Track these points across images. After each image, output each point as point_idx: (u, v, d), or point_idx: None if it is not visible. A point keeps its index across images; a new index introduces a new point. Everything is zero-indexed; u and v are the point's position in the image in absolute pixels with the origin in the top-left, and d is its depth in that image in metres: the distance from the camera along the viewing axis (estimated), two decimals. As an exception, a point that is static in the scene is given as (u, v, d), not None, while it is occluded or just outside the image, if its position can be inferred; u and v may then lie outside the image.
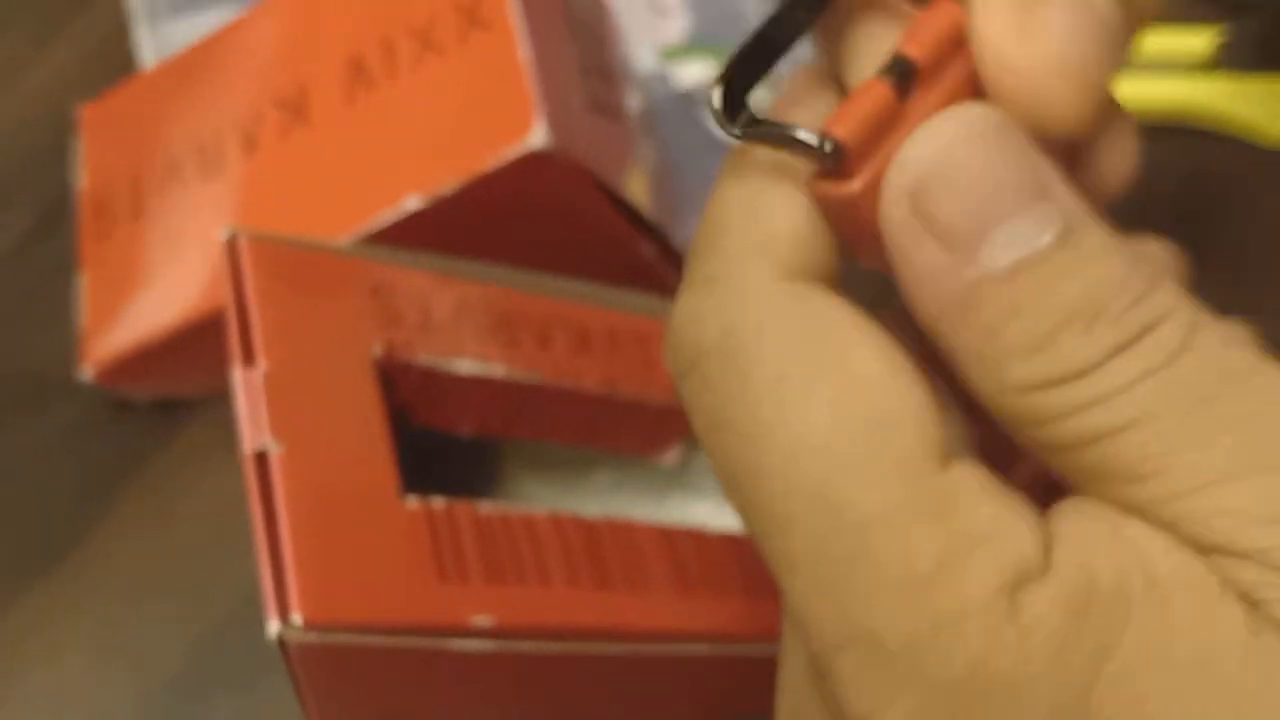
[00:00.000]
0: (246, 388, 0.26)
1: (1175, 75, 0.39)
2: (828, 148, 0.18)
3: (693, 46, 0.42)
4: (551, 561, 0.27)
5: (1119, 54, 0.19)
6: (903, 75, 0.18)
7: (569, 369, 0.31)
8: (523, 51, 0.32)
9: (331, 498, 0.25)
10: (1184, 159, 0.38)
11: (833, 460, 0.17)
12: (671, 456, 0.34)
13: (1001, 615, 0.16)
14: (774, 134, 0.18)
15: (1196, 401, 0.17)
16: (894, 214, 0.18)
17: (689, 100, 0.41)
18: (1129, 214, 0.37)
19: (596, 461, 0.34)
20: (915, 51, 0.19)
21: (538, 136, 0.31)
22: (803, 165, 0.19)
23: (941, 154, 0.18)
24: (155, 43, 0.42)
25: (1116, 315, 0.17)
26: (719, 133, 0.43)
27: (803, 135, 0.18)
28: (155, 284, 0.36)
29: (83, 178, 0.39)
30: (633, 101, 0.38)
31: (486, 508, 0.27)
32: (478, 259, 0.31)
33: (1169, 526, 0.17)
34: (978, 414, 0.20)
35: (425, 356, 0.29)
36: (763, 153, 0.19)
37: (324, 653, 0.24)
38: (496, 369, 0.30)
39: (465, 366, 0.29)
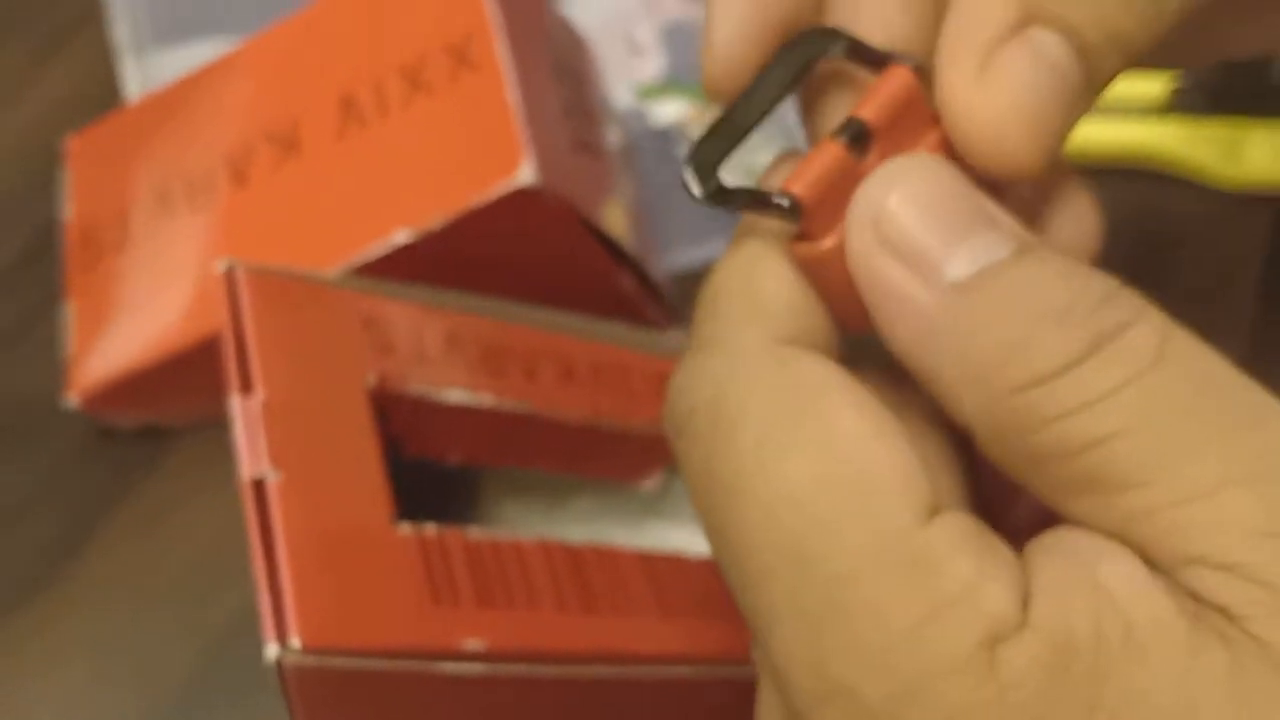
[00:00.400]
0: (245, 416, 0.27)
1: (1131, 119, 0.41)
2: (785, 203, 0.19)
3: (667, 86, 0.44)
4: (539, 586, 0.28)
5: (1075, 108, 0.20)
6: (856, 135, 0.20)
7: (555, 399, 0.32)
8: (511, 92, 0.33)
9: (328, 524, 0.26)
10: (1139, 200, 0.40)
11: (811, 517, 0.17)
12: (652, 483, 0.35)
13: (980, 673, 0.16)
14: (738, 198, 0.20)
15: (1181, 410, 0.17)
16: (859, 246, 0.19)
17: (665, 137, 0.42)
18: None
19: (576, 487, 0.35)
20: (869, 114, 0.20)
21: (526, 174, 0.32)
22: (780, 228, 0.20)
23: (898, 185, 0.19)
24: (141, 75, 0.43)
25: (1086, 312, 0.17)
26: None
27: (763, 196, 0.19)
28: (142, 313, 0.36)
29: (69, 208, 0.39)
30: (612, 138, 0.39)
31: (476, 534, 0.28)
32: (466, 292, 0.32)
33: (1154, 540, 0.17)
34: (976, 460, 0.21)
35: (417, 386, 0.30)
36: (762, 225, 0.20)
37: (320, 676, 0.25)
38: (485, 399, 0.31)
39: (455, 396, 0.30)
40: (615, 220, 0.36)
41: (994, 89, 0.19)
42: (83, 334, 0.37)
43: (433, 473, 0.32)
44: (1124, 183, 0.40)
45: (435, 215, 0.33)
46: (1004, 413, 0.17)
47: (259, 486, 0.26)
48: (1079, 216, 0.23)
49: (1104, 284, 0.18)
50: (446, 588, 0.27)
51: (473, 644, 0.26)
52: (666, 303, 0.37)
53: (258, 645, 0.25)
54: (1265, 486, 0.16)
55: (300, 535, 0.26)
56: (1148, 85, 0.41)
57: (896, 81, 0.20)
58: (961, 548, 0.17)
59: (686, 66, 0.44)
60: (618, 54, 0.44)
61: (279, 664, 0.24)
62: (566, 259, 0.34)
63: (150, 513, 0.36)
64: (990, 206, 0.19)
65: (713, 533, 0.19)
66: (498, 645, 0.26)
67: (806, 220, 0.19)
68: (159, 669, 0.34)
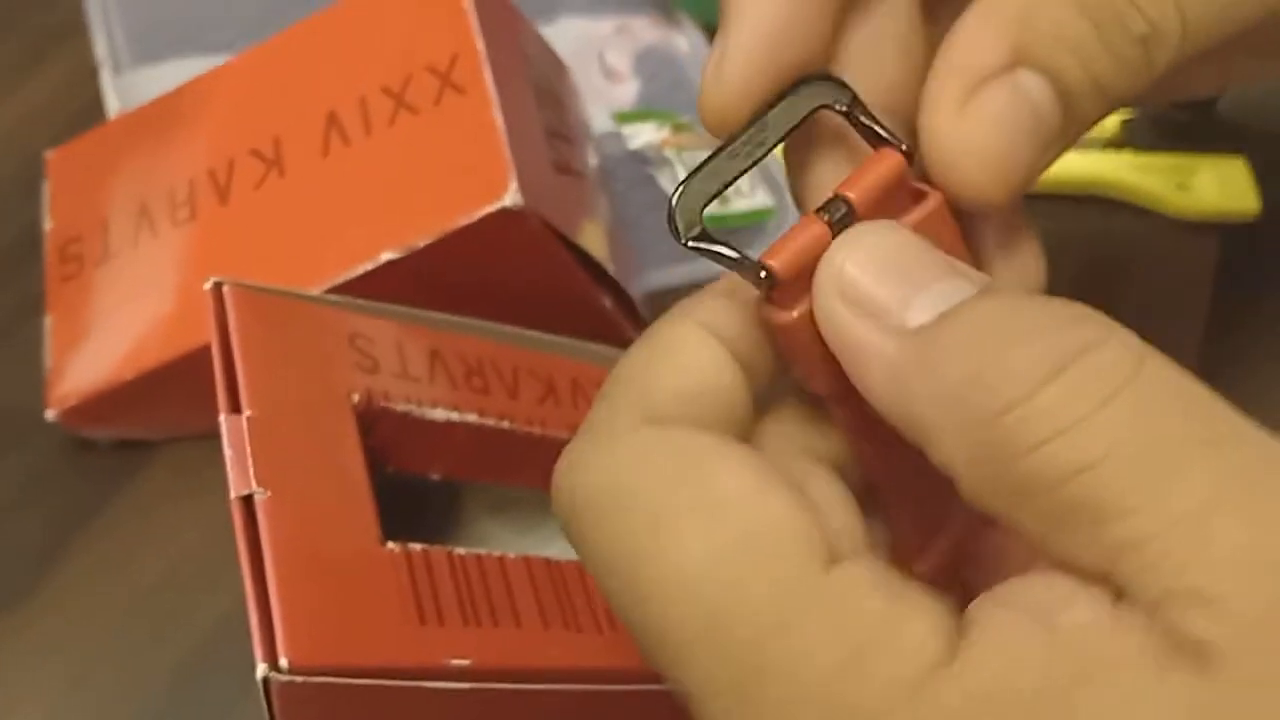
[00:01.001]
0: (232, 433, 0.27)
1: (1086, 150, 0.42)
2: (762, 274, 0.20)
3: (642, 110, 0.44)
4: (523, 603, 0.28)
5: (1050, 148, 0.21)
6: (838, 214, 0.20)
7: (536, 417, 0.32)
8: (496, 114, 0.33)
9: (316, 543, 0.26)
10: (1092, 227, 0.41)
11: (714, 588, 0.17)
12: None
13: (911, 710, 0.16)
14: (716, 253, 0.20)
15: (1162, 430, 0.16)
16: (825, 307, 0.19)
17: (640, 158, 0.43)
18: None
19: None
20: (855, 195, 0.20)
21: (511, 196, 0.32)
22: (745, 291, 0.21)
23: (857, 247, 0.19)
24: (119, 92, 0.43)
25: (1051, 332, 0.17)
26: (670, 189, 0.44)
27: (740, 258, 0.20)
28: (121, 328, 0.36)
29: (50, 221, 0.39)
30: (590, 160, 0.40)
31: (461, 552, 0.28)
32: (449, 311, 0.32)
33: (1141, 574, 0.16)
34: (891, 512, 0.22)
35: (402, 404, 0.30)
36: (676, 317, 0.21)
37: (307, 695, 0.25)
38: (469, 416, 0.31)
39: (438, 413, 0.31)
40: (594, 241, 0.36)
41: (971, 121, 0.20)
42: (61, 347, 0.37)
43: (415, 491, 0.32)
44: (1077, 209, 0.42)
45: (419, 235, 0.33)
46: (981, 448, 0.17)
47: (247, 503, 0.26)
48: (1024, 259, 0.24)
49: (1070, 308, 0.18)
50: (432, 606, 0.27)
51: (458, 662, 0.26)
52: (644, 323, 0.38)
53: (233, 657, 0.25)
54: (1251, 506, 0.16)
55: (288, 553, 0.26)
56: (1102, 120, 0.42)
57: (886, 164, 0.21)
58: (870, 591, 0.17)
59: (660, 91, 0.45)
60: (593, 79, 0.45)
61: (266, 683, 0.24)
62: (548, 279, 0.35)
63: (127, 523, 0.36)
64: (954, 261, 0.19)
65: (621, 614, 0.19)
66: (483, 663, 0.26)
67: (778, 291, 0.20)
68: (136, 679, 0.34)
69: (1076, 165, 0.42)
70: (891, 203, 0.20)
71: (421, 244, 0.33)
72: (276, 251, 0.35)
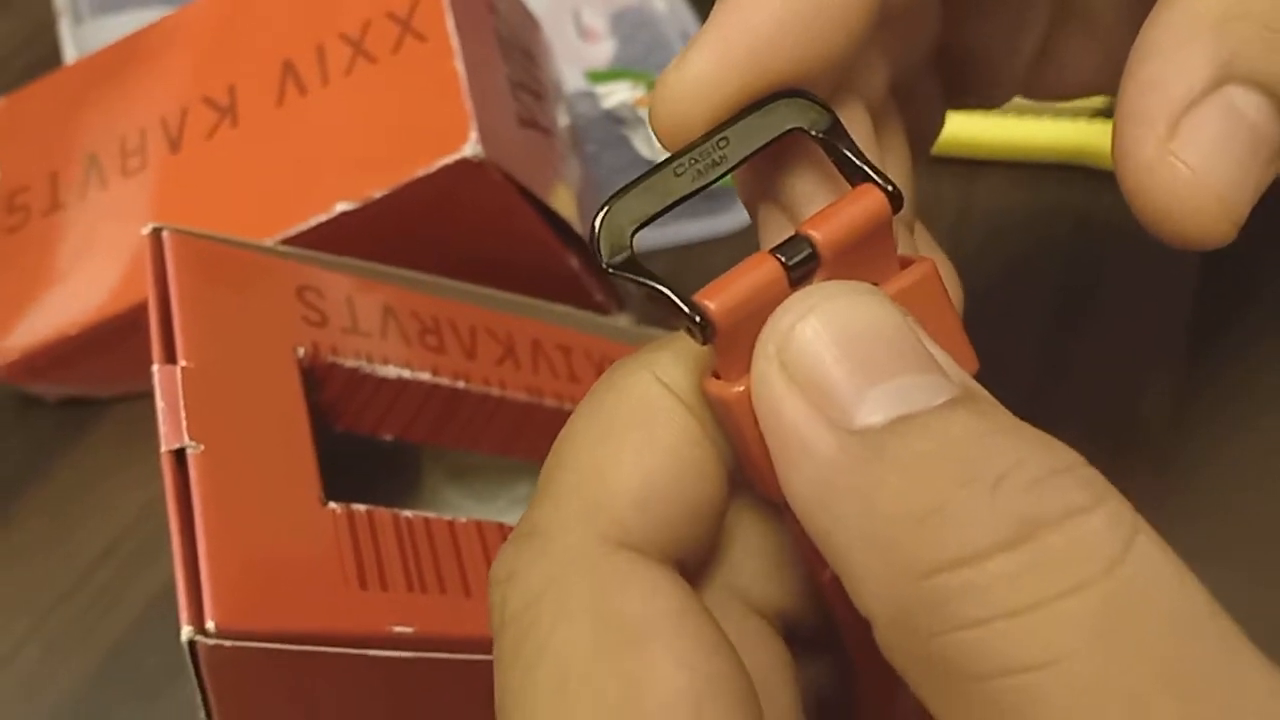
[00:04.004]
0: (165, 385, 0.26)
1: (1073, 118, 0.41)
2: (697, 319, 0.16)
3: (616, 70, 0.43)
4: (474, 571, 0.27)
5: (1271, 168, 0.18)
6: (797, 257, 0.16)
7: (494, 377, 0.31)
8: (458, 63, 0.32)
9: (251, 501, 0.25)
10: (1078, 198, 0.39)
11: None
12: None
13: None
14: (642, 284, 0.16)
15: (1137, 643, 0.13)
16: (762, 374, 0.16)
17: (613, 118, 0.41)
18: (1027, 249, 0.38)
19: (516, 471, 0.34)
20: (822, 235, 0.16)
21: (471, 146, 0.31)
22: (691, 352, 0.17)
23: (818, 309, 0.15)
24: (78, 41, 0.41)
25: (1026, 485, 0.14)
26: (644, 151, 0.43)
27: (671, 298, 0.16)
28: (68, 281, 0.35)
29: (-5, 170, 0.38)
30: (561, 119, 0.38)
31: (409, 516, 0.27)
32: (407, 266, 0.31)
33: None
34: (852, 645, 0.18)
35: (351, 359, 0.29)
36: (632, 375, 0.17)
37: (238, 660, 0.24)
38: (422, 374, 0.30)
39: (391, 370, 0.29)
40: (564, 201, 0.35)
41: (1184, 152, 0.17)
42: (5, 300, 0.35)
43: (370, 456, 0.31)
44: (1065, 178, 0.40)
45: (376, 186, 0.32)
46: (906, 603, 0.14)
47: (179, 458, 0.25)
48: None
49: (1059, 455, 0.14)
50: (375, 570, 0.26)
51: (400, 629, 0.25)
52: (614, 286, 0.36)
53: (170, 633, 0.24)
54: None
55: (220, 511, 0.24)
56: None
57: (865, 203, 0.17)
58: None
59: (636, 52, 0.44)
60: (568, 37, 0.43)
61: (193, 646, 0.23)
62: (511, 236, 0.33)
63: (73, 485, 0.35)
64: (936, 352, 0.15)
65: None
66: (427, 631, 0.25)
67: (722, 348, 0.16)
68: (77, 645, 0.33)
69: (1061, 133, 0.41)
70: (867, 255, 0.17)
71: (378, 195, 0.32)
72: (228, 202, 0.33)
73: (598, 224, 0.16)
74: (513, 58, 0.36)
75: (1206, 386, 0.34)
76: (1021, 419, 0.15)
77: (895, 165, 0.21)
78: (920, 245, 0.22)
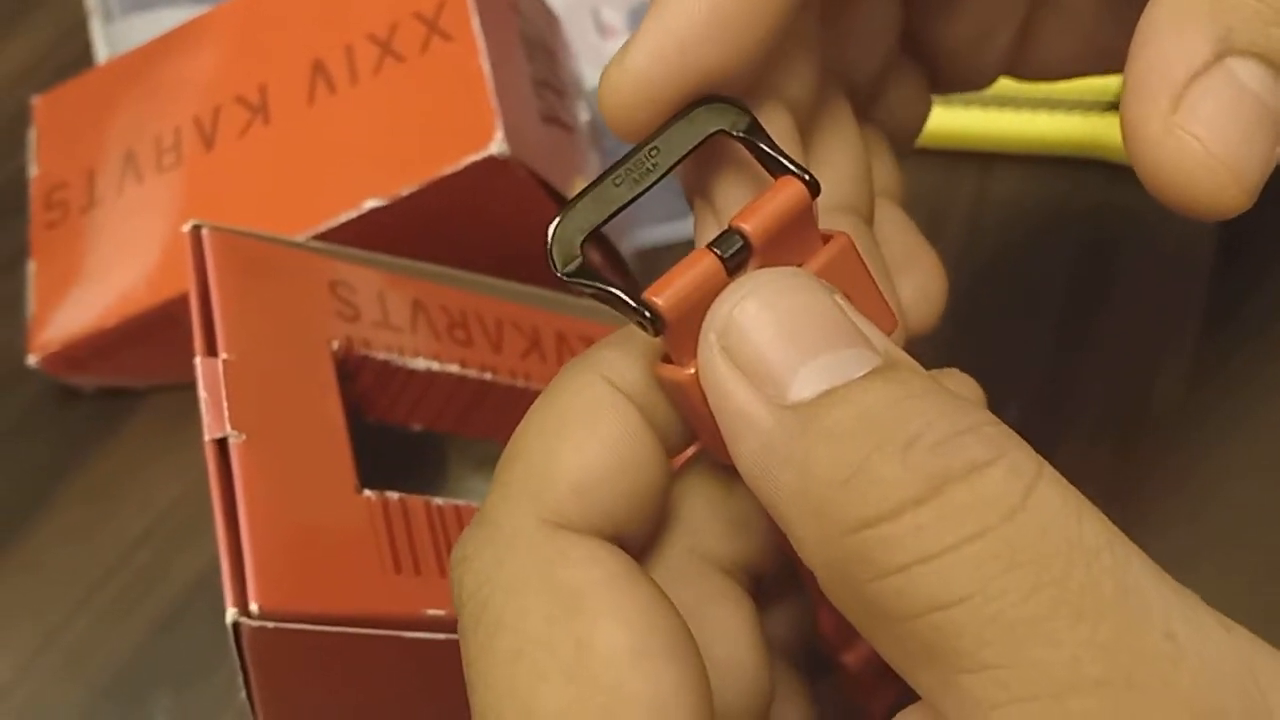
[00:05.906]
0: (207, 376, 0.27)
1: (1087, 111, 0.41)
2: (646, 314, 0.18)
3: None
4: (502, 555, 0.28)
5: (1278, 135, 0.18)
6: (731, 249, 0.18)
7: (520, 369, 0.32)
8: (484, 62, 0.33)
9: (290, 488, 0.26)
10: (1092, 191, 0.40)
11: None
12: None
13: None
14: (595, 288, 0.18)
15: (1036, 578, 0.14)
16: (706, 359, 0.17)
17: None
18: (1041, 240, 0.39)
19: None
20: (751, 226, 0.18)
21: (497, 144, 0.32)
22: (642, 351, 0.18)
23: (752, 295, 0.17)
24: (109, 40, 0.42)
25: (934, 444, 0.15)
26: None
27: (621, 298, 0.18)
28: (106, 274, 0.36)
29: (35, 167, 0.39)
30: (582, 115, 0.39)
31: (440, 502, 0.28)
32: (434, 261, 0.32)
33: None
34: (813, 588, 0.19)
35: (383, 352, 0.30)
36: (580, 375, 0.19)
37: (279, 641, 0.25)
38: (450, 367, 0.30)
39: (420, 363, 0.30)
40: (585, 195, 0.36)
41: (1189, 125, 0.18)
42: (45, 293, 0.36)
43: (401, 445, 0.32)
44: (1079, 171, 0.41)
45: (404, 183, 0.33)
46: (839, 556, 0.15)
47: (221, 446, 0.26)
48: (925, 277, 0.23)
49: (967, 416, 0.16)
50: (408, 555, 0.26)
51: (434, 612, 0.26)
52: (633, 279, 0.37)
53: (213, 611, 0.25)
54: (1125, 695, 0.14)
55: (262, 498, 0.25)
56: (1104, 80, 0.41)
57: (787, 193, 0.18)
58: None
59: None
60: (587, 34, 0.44)
61: (236, 627, 0.24)
62: (535, 231, 0.34)
63: (110, 473, 0.36)
64: (864, 324, 0.17)
65: None
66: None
67: (672, 338, 0.18)
68: (113, 632, 0.34)
69: (1075, 126, 0.41)
70: (793, 238, 0.18)
71: (406, 192, 0.33)
72: (261, 199, 0.34)
73: (550, 237, 0.18)
74: (535, 56, 0.37)
75: (1218, 373, 0.35)
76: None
77: (842, 153, 0.22)
78: (906, 233, 0.24)
